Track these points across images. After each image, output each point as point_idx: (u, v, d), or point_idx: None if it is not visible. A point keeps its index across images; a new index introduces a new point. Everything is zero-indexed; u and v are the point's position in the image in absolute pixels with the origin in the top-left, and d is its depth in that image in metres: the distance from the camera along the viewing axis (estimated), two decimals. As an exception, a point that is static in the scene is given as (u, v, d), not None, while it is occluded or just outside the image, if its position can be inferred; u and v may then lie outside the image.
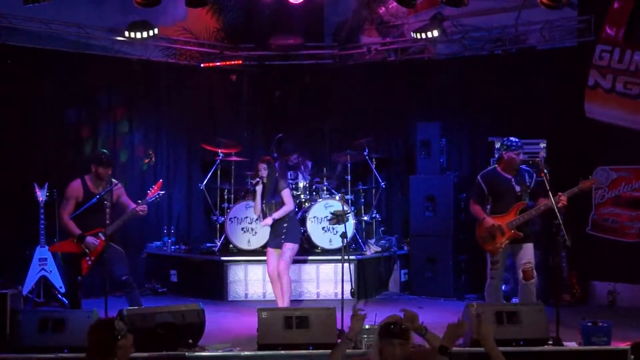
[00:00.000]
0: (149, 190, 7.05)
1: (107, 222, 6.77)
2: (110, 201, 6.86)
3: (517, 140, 6.92)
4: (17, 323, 5.82)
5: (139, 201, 6.98)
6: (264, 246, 9.01)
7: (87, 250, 6.75)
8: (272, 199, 7.49)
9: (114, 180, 6.96)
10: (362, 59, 10.57)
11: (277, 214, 7.44)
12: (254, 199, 7.76)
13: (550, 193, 6.50)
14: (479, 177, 7.08)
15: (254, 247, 9.00)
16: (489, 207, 7.01)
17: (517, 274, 6.89)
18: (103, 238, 6.72)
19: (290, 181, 9.12)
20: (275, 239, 7.51)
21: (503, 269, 7.01)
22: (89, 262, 6.77)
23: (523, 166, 7.04)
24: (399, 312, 4.10)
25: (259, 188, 7.53)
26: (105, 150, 7.11)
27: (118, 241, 7.00)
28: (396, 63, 10.25)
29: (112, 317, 4.41)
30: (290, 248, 7.45)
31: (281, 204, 7.46)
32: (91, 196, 6.78)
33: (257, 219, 8.38)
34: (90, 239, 6.74)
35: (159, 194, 7.01)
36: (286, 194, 7.50)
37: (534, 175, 6.99)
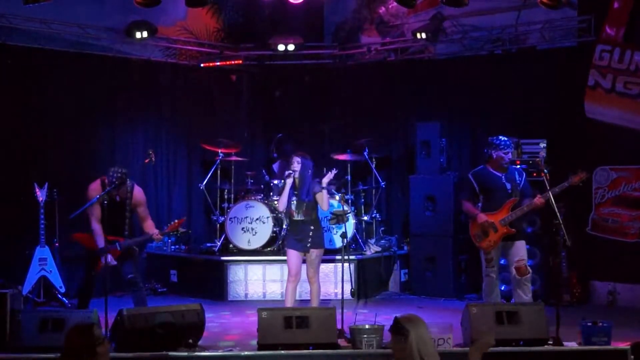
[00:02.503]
0: (170, 223, 7.01)
1: (126, 232, 6.78)
2: (129, 210, 6.81)
3: (505, 139, 7.04)
4: (17, 323, 5.82)
5: (157, 230, 6.88)
6: (264, 246, 9.04)
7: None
8: (304, 198, 7.04)
9: (135, 184, 6.91)
10: (362, 59, 10.57)
11: (324, 204, 7.06)
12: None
13: (550, 194, 6.54)
14: (469, 175, 7.20)
15: (254, 247, 9.00)
16: (480, 205, 7.10)
17: (511, 271, 6.93)
18: (119, 249, 6.69)
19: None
20: (300, 243, 7.07)
21: (498, 267, 7.07)
22: (103, 262, 6.72)
23: (513, 166, 7.14)
24: (401, 311, 4.10)
25: (289, 181, 7.06)
26: (118, 170, 6.69)
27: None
28: (396, 63, 10.25)
29: (92, 323, 4.37)
30: (318, 255, 7.15)
31: (313, 205, 7.08)
32: (109, 198, 6.70)
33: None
34: (106, 258, 6.59)
35: (179, 230, 6.98)
36: (320, 197, 7.06)
37: (524, 174, 7.12)
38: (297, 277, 7.17)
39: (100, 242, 6.70)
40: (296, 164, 7.10)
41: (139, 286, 6.85)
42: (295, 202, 7.11)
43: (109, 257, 6.66)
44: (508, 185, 6.93)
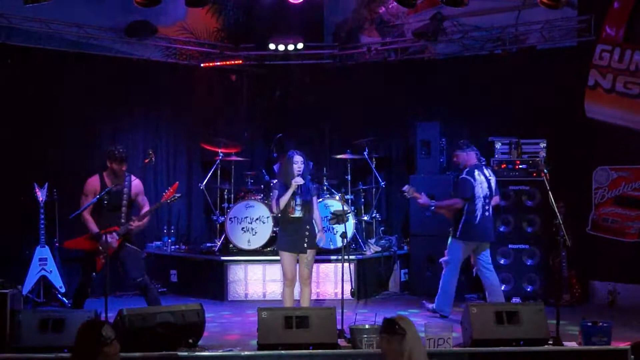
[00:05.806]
0: (165, 192, 6.99)
1: (123, 220, 6.77)
2: (127, 199, 6.84)
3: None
4: (17, 323, 5.82)
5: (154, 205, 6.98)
6: (264, 246, 9.04)
7: (101, 248, 6.70)
8: (306, 197, 6.97)
9: (133, 176, 6.96)
10: (362, 59, 10.57)
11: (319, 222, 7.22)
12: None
13: (550, 194, 6.49)
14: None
15: (254, 247, 9.00)
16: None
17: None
18: (117, 237, 6.69)
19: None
20: (296, 243, 6.96)
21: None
22: (104, 260, 6.68)
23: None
24: (402, 311, 4.09)
25: (295, 185, 6.93)
26: (119, 147, 6.96)
27: (134, 240, 6.97)
28: (396, 63, 10.25)
29: (103, 321, 4.33)
30: (314, 254, 7.09)
31: (311, 205, 7.04)
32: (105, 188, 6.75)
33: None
34: (105, 239, 6.63)
35: (174, 196, 6.91)
36: (315, 201, 7.15)
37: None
38: (294, 281, 7.05)
39: (94, 228, 6.73)
40: (300, 164, 6.99)
41: (149, 287, 6.87)
42: (300, 203, 6.98)
43: (109, 237, 6.64)
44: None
